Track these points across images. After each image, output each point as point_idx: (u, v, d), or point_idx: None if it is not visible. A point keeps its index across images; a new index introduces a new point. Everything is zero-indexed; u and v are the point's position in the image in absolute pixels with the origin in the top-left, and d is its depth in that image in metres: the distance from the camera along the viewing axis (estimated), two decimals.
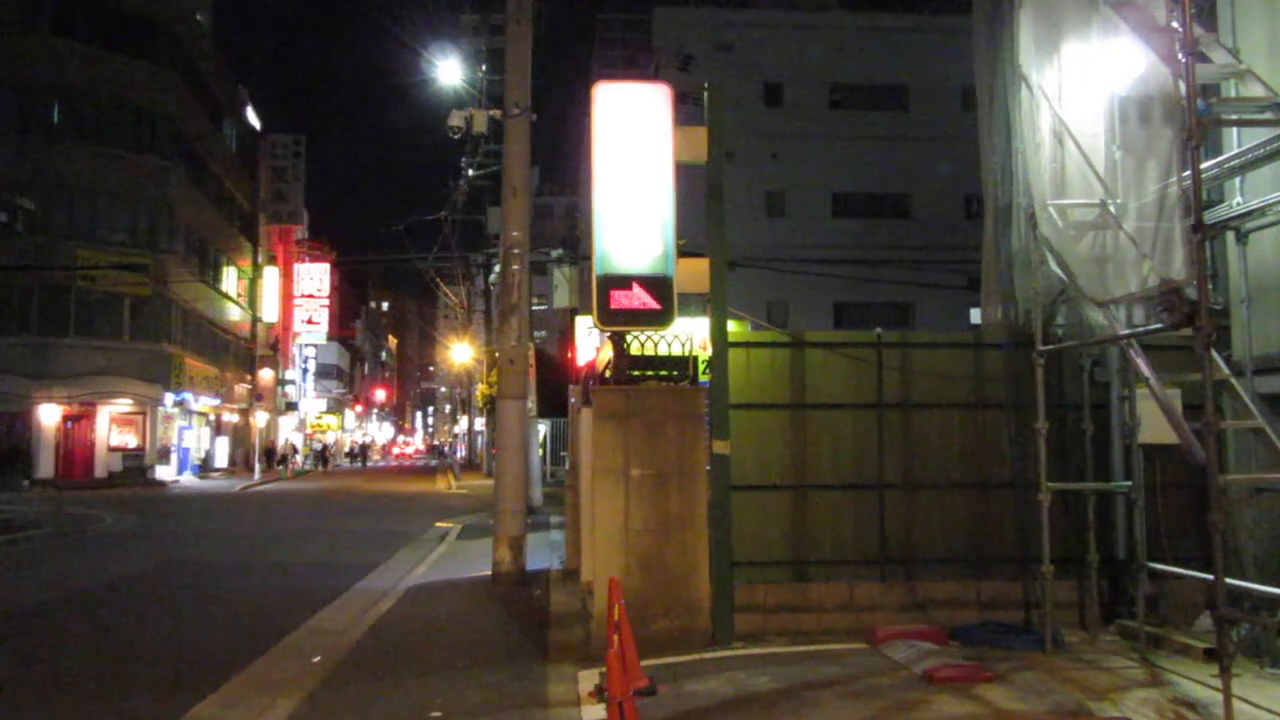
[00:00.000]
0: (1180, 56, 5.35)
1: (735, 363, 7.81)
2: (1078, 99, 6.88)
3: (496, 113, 11.03)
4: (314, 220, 56.09)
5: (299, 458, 50.69)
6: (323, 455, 52.00)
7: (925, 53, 29.58)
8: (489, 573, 10.61)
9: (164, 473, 32.10)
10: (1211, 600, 5.89)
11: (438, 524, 17.77)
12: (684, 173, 7.83)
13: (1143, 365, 6.18)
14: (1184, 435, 5.69)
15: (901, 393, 8.07)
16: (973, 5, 9.11)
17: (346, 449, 60.79)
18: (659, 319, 7.51)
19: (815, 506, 7.98)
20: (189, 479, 33.87)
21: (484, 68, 19.21)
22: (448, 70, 18.99)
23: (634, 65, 29.95)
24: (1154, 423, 6.63)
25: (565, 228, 43.82)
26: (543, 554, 12.31)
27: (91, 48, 30.15)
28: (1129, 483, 7.43)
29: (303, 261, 50.59)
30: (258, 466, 36.40)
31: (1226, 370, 6.08)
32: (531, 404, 17.72)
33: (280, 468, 42.06)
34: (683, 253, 7.73)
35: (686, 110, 9.09)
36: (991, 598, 7.87)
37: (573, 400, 12.36)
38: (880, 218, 30.08)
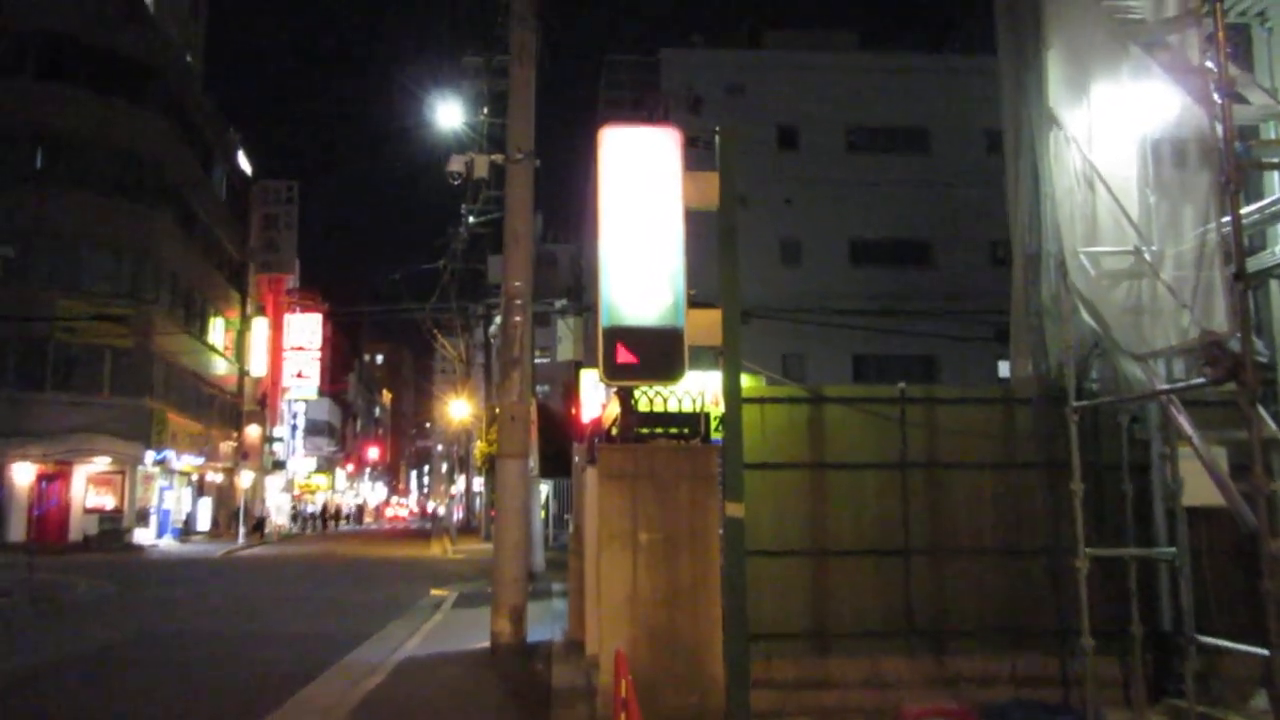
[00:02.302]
0: (1216, 97, 5.40)
1: (749, 420, 7.78)
2: (1109, 142, 6.93)
3: (498, 157, 11.16)
4: (306, 269, 56.58)
5: (285, 520, 50.49)
6: (321, 517, 51.85)
7: (947, 94, 29.96)
8: (487, 645, 10.47)
9: (142, 536, 31.96)
10: (1268, 676, 5.76)
11: (433, 591, 17.60)
12: (694, 220, 7.89)
13: (1184, 423, 6.14)
14: (1231, 497, 5.62)
15: (927, 451, 8.02)
16: (998, 46, 9.24)
17: (330, 510, 60.57)
18: (669, 373, 7.50)
19: (836, 574, 7.87)
20: (169, 543, 33.71)
21: (485, 111, 19.47)
22: (447, 113, 19.30)
23: (642, 108, 30.37)
24: (1198, 484, 6.56)
25: (569, 277, 44.06)
26: (545, 624, 12.16)
27: (77, 90, 30.73)
28: (1173, 549, 7.32)
29: (293, 312, 50.93)
30: (242, 530, 36.23)
31: (1275, 427, 6.03)
32: (533, 463, 17.65)
33: (265, 532, 41.84)
34: (693, 303, 7.75)
35: (696, 154, 9.19)
36: (1027, 673, 7.72)
37: (577, 459, 12.30)
38: (901, 266, 30.23)
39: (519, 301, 10.65)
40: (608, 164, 7.90)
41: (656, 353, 7.55)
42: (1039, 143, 8.09)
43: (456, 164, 11.59)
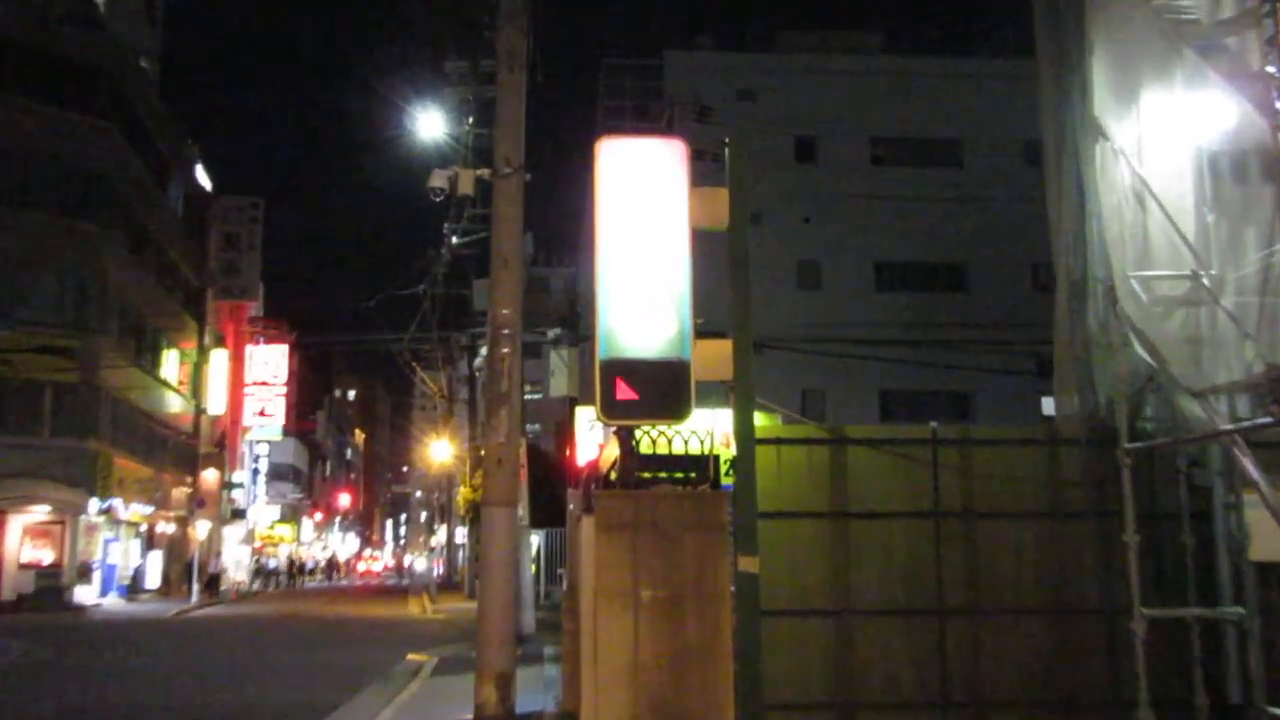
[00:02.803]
0: (1278, 105, 5.45)
1: (764, 463, 7.77)
2: (1161, 154, 6.99)
3: (485, 172, 11.22)
4: (271, 295, 56.77)
5: (245, 576, 50.29)
6: (288, 572, 51.65)
7: (981, 101, 30.20)
8: (470, 717, 10.39)
9: (84, 594, 31.81)
10: None
11: (410, 656, 17.49)
12: (702, 240, 7.93)
13: (1250, 467, 6.13)
14: None
15: (963, 499, 8.00)
16: (1036, 49, 9.33)
17: (296, 565, 60.35)
18: (674, 411, 7.50)
19: (862, 636, 7.83)
20: (114, 602, 33.56)
21: (470, 120, 19.60)
22: (428, 124, 19.43)
23: (644, 117, 30.57)
24: (1268, 535, 6.54)
25: (564, 304, 44.19)
26: (535, 693, 12.07)
27: (15, 97, 30.91)
28: (1240, 609, 7.28)
29: (256, 343, 51.05)
30: (195, 587, 36.10)
31: None
32: (523, 511, 17.60)
33: (221, 589, 41.66)
34: (701, 333, 7.78)
35: (704, 168, 9.25)
36: None
37: (571, 507, 12.27)
38: (932, 291, 30.33)
39: (507, 331, 10.66)
40: (606, 179, 7.95)
41: (660, 388, 7.55)
42: (1083, 155, 8.14)
43: (438, 179, 11.65)
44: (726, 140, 8.19)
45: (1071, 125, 8.59)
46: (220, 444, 47.87)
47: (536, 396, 43.87)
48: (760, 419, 8.36)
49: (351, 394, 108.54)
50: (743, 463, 7.58)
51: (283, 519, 62.11)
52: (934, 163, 31.21)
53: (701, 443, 7.85)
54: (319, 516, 79.76)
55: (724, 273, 7.94)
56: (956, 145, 31.35)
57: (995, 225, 29.13)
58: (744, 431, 7.62)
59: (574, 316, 36.57)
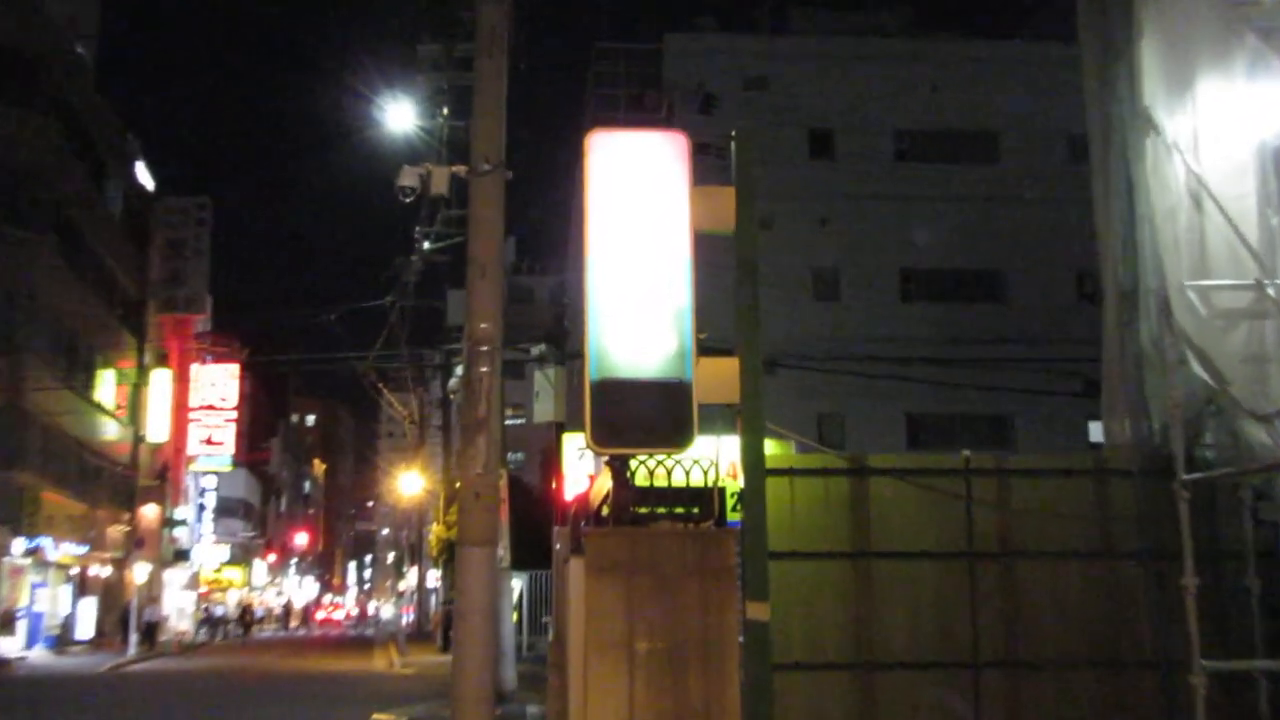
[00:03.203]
0: None
1: (776, 496, 7.76)
2: (1220, 150, 7.01)
3: (461, 169, 11.23)
4: (220, 308, 56.74)
5: (189, 625, 50.09)
6: (241, 621, 51.44)
7: (1019, 90, 30.30)
8: None
9: (7, 646, 31.66)
10: None
11: (375, 717, 17.43)
12: (705, 245, 7.94)
13: None
14: None
15: (1000, 537, 7.99)
16: (1079, 32, 9.38)
17: (248, 612, 60.13)
18: (674, 438, 7.49)
19: (888, 692, 7.80)
20: (41, 655, 33.40)
21: (445, 111, 19.73)
22: (399, 115, 19.51)
23: (640, 108, 30.63)
24: None
25: (550, 318, 44.25)
26: None
27: None
28: None
29: (203, 362, 51.01)
30: (133, 638, 35.96)
31: None
32: (503, 552, 17.54)
33: (162, 640, 41.49)
34: (704, 349, 7.78)
35: (708, 165, 9.27)
36: None
37: (558, 547, 12.24)
38: (965, 302, 30.33)
39: (486, 348, 10.65)
40: (597, 177, 7.96)
41: (658, 412, 7.54)
42: (1132, 151, 8.17)
43: (409, 178, 11.68)
44: (733, 133, 8.21)
45: (1119, 118, 8.63)
46: (162, 476, 47.79)
47: (519, 422, 43.82)
48: (771, 447, 8.35)
49: (310, 420, 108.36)
50: (752, 496, 7.56)
51: (232, 561, 61.92)
52: (966, 158, 31.24)
53: (705, 474, 7.83)
54: (273, 558, 79.55)
55: (730, 282, 7.95)
56: (991, 139, 31.41)
57: (1035, 228, 29.16)
58: (753, 461, 7.61)
59: (561, 331, 36.63)
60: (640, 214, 7.87)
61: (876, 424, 28.03)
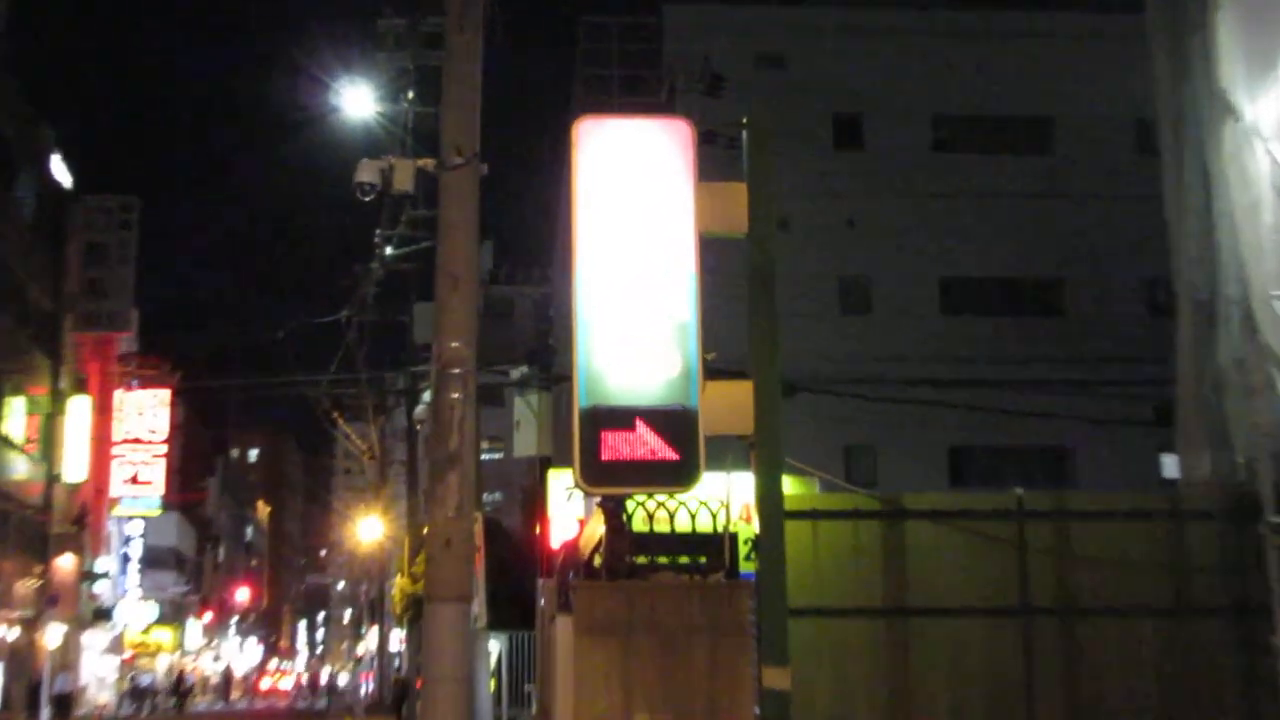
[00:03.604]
0: None
1: (796, 542, 7.74)
2: None
3: (429, 162, 11.26)
4: (149, 325, 56.74)
5: (111, 697, 49.90)
6: (175, 691, 51.26)
7: (1079, 69, 30.35)
8: None
9: None
10: None
11: None
12: (713, 250, 7.94)
13: None
14: None
15: (1059, 590, 7.96)
16: (1147, 3, 9.40)
17: (183, 681, 59.94)
18: (677, 476, 7.48)
19: None
20: None
21: (410, 96, 19.75)
22: (356, 100, 19.56)
23: (636, 91, 30.68)
24: None
25: (533, 335, 44.23)
26: None
27: None
28: None
29: (129, 388, 50.95)
30: (45, 713, 35.83)
31: None
32: (478, 609, 17.46)
33: (81, 714, 41.33)
34: (712, 372, 7.77)
35: (716, 156, 9.30)
36: None
37: (543, 603, 12.22)
38: (1017, 315, 30.31)
39: (458, 371, 10.66)
40: (587, 172, 7.96)
41: (659, 445, 7.53)
42: (1208, 140, 8.19)
43: (368, 172, 11.70)
44: (744, 120, 8.23)
45: (1193, 101, 8.64)
46: (80, 521, 47.63)
47: (497, 456, 43.76)
48: (791, 484, 8.35)
49: (254, 455, 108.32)
50: (769, 543, 7.55)
51: (162, 620, 61.70)
52: (1017, 148, 31.27)
53: (714, 517, 7.82)
54: (210, 617, 79.28)
55: (742, 293, 7.95)
56: (1046, 125, 31.43)
57: (1097, 229, 29.19)
58: (770, 502, 7.60)
59: (546, 351, 36.61)
60: (637, 214, 7.88)
61: (914, 458, 27.99)
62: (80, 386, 47.79)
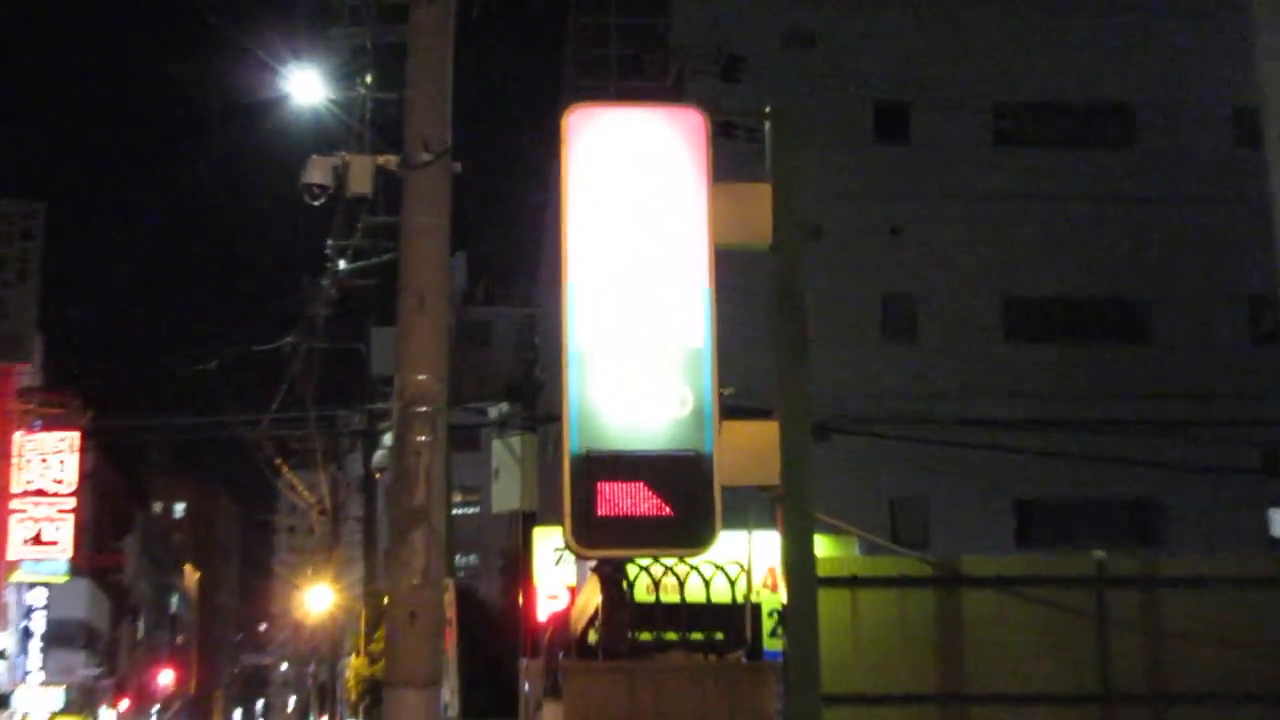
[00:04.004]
0: None
1: (833, 616, 7.71)
2: None
3: (390, 159, 11.30)
4: (54, 353, 56.80)
5: None
6: None
7: (1165, 48, 30.46)
8: None
9: None
10: None
11: None
12: (731, 265, 7.93)
13: None
14: None
15: (1149, 673, 7.93)
16: None
17: None
18: (688, 536, 7.46)
19: None
20: None
21: (368, 80, 19.80)
22: (302, 85, 19.63)
23: (638, 73, 30.77)
24: None
25: (515, 364, 44.23)
26: None
27: None
28: None
29: (31, 429, 50.94)
30: None
31: None
32: (449, 695, 17.37)
33: None
34: (730, 410, 7.76)
35: (734, 152, 9.32)
36: None
37: (527, 689, 12.19)
38: (1093, 342, 30.31)
39: (425, 409, 10.65)
40: (580, 170, 7.96)
41: (666, 499, 7.51)
42: None
43: (318, 172, 11.72)
44: (767, 110, 8.24)
45: None
46: None
47: (472, 511, 43.79)
48: (825, 545, 8.35)
49: (180, 509, 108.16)
50: (799, 616, 7.52)
51: (69, 709, 61.51)
52: (1094, 142, 31.29)
53: (732, 584, 7.79)
54: (126, 704, 79.08)
55: (765, 316, 7.94)
56: (1127, 114, 31.44)
57: (1190, 238, 29.18)
58: (800, 566, 7.58)
59: (531, 385, 36.63)
60: (640, 221, 7.88)
61: (973, 514, 27.94)
62: None
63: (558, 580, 19.37)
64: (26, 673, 53.88)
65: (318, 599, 45.02)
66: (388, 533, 11.53)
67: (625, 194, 8.01)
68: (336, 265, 25.78)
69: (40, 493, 50.25)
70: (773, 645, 7.92)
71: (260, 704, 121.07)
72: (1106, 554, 8.29)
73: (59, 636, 58.57)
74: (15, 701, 52.60)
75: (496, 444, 31.54)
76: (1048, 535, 28.31)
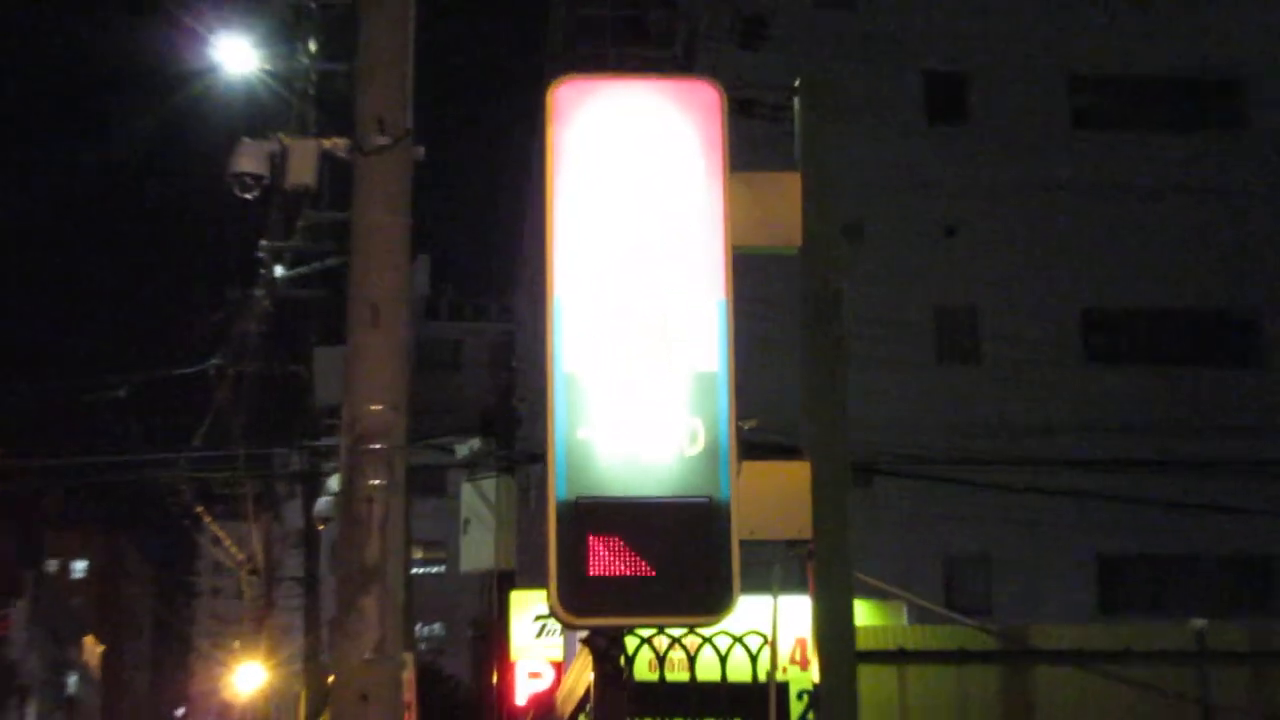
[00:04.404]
0: None
1: (874, 697, 7.72)
2: None
3: (339, 143, 11.35)
4: None
5: None
6: None
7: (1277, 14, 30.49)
8: None
9: None
10: None
11: None
12: (750, 270, 7.95)
13: None
14: None
15: None
16: None
17: None
18: (699, 601, 7.46)
19: None
20: None
21: (311, 48, 19.84)
22: (234, 54, 19.69)
23: (639, 38, 30.82)
24: None
25: (489, 391, 44.22)
26: None
27: None
28: None
29: None
30: None
31: None
32: None
33: None
34: (752, 448, 7.77)
35: (756, 135, 9.37)
36: None
37: None
38: (1194, 364, 30.30)
39: (379, 446, 10.67)
40: (568, 157, 7.96)
41: (670, 555, 7.52)
42: None
43: (250, 158, 11.79)
44: (797, 83, 8.27)
45: None
46: None
47: (436, 571, 43.84)
48: (867, 612, 8.37)
49: (80, 568, 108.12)
50: (834, 699, 7.53)
51: None
52: (1191, 122, 31.34)
53: (753, 659, 7.80)
54: None
55: (794, 333, 7.96)
56: (1235, 91, 31.51)
57: None
58: (836, 638, 7.58)
59: (508, 417, 36.59)
60: (640, 219, 7.89)
61: (1046, 573, 27.93)
62: None
63: (540, 655, 19.38)
64: None
65: (247, 677, 45.04)
66: (334, 597, 11.54)
67: (623, 186, 8.01)
68: (272, 272, 25.79)
69: None
70: None
71: None
72: (1209, 622, 8.30)
73: None
74: None
75: (466, 489, 31.53)
76: (1138, 600, 28.27)
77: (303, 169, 11.69)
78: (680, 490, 7.58)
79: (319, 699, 28.53)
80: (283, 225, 24.33)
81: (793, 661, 8.23)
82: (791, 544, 7.80)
